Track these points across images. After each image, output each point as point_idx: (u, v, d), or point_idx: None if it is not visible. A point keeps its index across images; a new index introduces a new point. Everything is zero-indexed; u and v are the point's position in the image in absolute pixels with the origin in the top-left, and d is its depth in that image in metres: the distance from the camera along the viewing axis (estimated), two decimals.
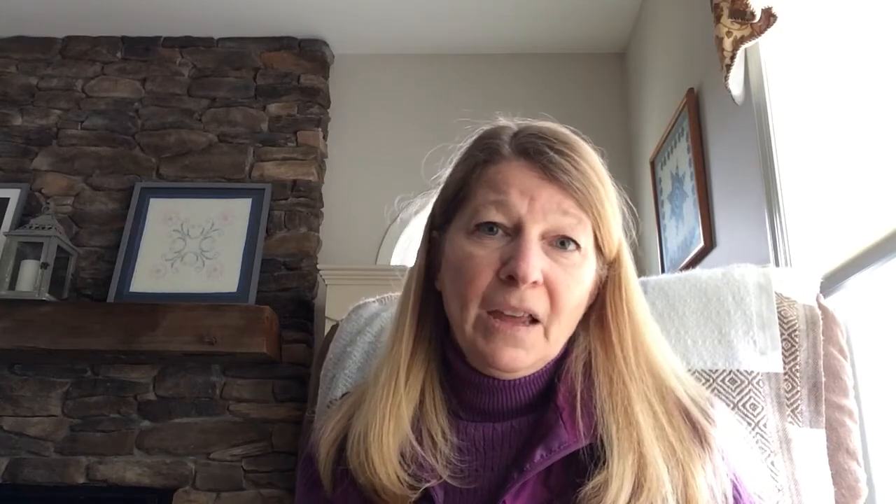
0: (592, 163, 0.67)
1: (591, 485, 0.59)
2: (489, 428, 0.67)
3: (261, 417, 2.39)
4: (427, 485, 0.62)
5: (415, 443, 0.65)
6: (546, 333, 0.64)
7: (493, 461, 0.65)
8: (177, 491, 2.31)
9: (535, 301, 0.62)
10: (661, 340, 0.70)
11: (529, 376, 0.66)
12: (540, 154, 0.65)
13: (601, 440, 0.62)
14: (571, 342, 0.69)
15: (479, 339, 0.63)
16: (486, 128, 0.72)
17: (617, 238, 0.68)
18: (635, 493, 0.59)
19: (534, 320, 0.63)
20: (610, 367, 0.65)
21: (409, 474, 0.63)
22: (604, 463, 0.60)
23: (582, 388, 0.65)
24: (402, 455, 0.64)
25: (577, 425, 0.63)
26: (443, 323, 0.70)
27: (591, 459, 0.61)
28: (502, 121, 0.72)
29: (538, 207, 0.63)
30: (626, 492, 0.59)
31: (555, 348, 0.66)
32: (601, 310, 0.68)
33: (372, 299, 1.03)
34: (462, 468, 0.64)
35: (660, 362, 0.67)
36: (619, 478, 0.59)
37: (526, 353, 0.63)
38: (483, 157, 0.68)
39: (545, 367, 0.67)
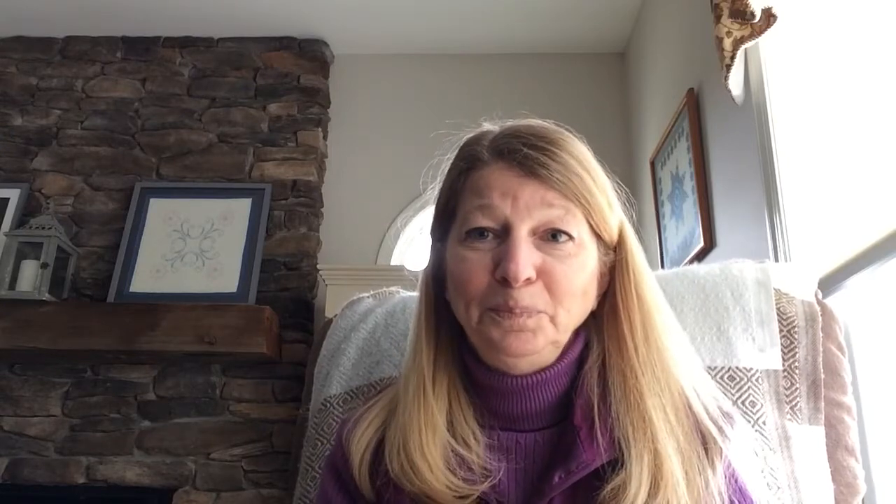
0: (574, 152, 0.66)
1: (609, 487, 0.59)
2: (512, 437, 0.67)
3: (261, 417, 2.39)
4: (482, 487, 0.63)
5: (459, 448, 0.65)
6: (552, 320, 0.63)
7: (518, 473, 0.66)
8: (177, 491, 2.30)
9: (534, 298, 0.62)
10: (674, 328, 0.69)
11: (544, 374, 0.65)
12: (515, 152, 0.65)
13: (619, 444, 0.62)
14: (586, 349, 0.68)
15: (487, 330, 0.63)
16: (469, 135, 0.72)
17: (616, 223, 0.68)
18: (653, 491, 0.59)
19: (537, 311, 0.63)
20: (622, 361, 0.65)
21: (461, 480, 0.63)
22: (622, 465, 0.60)
23: (598, 399, 0.65)
24: (448, 461, 0.65)
25: (597, 441, 0.62)
26: (457, 331, 0.71)
27: (611, 467, 0.62)
28: (485, 125, 0.72)
29: (522, 205, 0.64)
30: (644, 491, 0.59)
31: (564, 334, 0.65)
32: (612, 298, 0.68)
33: (366, 294, 1.02)
34: (500, 477, 0.64)
35: (670, 353, 0.66)
36: (636, 478, 0.59)
37: (534, 336, 0.63)
38: (465, 165, 0.69)
39: (560, 366, 0.66)
